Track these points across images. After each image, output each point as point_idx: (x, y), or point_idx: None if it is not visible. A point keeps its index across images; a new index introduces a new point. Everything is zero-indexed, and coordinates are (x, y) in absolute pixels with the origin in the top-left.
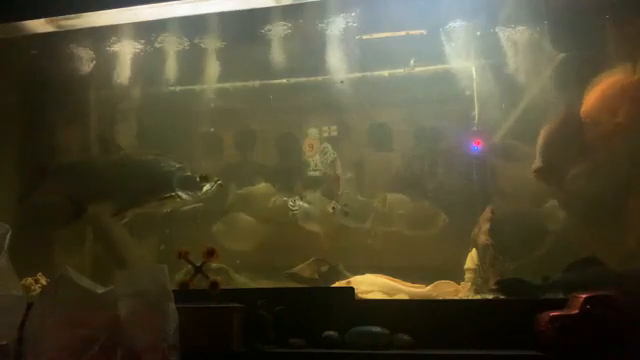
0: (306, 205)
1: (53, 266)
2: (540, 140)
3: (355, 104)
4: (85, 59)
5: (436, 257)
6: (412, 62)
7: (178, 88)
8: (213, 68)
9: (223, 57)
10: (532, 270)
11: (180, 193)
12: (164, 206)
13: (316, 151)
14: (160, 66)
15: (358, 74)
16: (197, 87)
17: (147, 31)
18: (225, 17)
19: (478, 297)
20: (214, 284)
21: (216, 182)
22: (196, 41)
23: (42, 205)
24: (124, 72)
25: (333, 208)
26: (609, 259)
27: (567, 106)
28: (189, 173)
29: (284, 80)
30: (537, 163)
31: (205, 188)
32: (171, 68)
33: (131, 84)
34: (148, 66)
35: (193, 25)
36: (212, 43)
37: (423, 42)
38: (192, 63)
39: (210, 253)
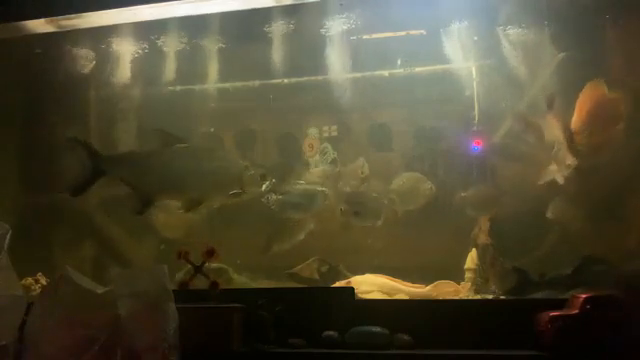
0: (280, 197)
1: (53, 266)
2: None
3: (355, 104)
4: (85, 59)
5: (436, 257)
6: (399, 62)
7: (178, 88)
8: (213, 68)
9: (223, 57)
10: (533, 270)
11: (245, 190)
12: (222, 202)
13: (316, 151)
14: (160, 66)
15: (358, 74)
16: (197, 87)
17: (147, 31)
18: (225, 17)
19: (478, 297)
20: (214, 284)
21: (271, 180)
22: (196, 41)
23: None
24: (124, 72)
25: (341, 209)
26: (610, 259)
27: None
28: (253, 171)
29: (284, 80)
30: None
31: (264, 186)
32: (171, 68)
33: (131, 84)
34: (148, 66)
35: (193, 25)
36: (212, 43)
37: (423, 42)
38: (192, 63)
39: (210, 253)
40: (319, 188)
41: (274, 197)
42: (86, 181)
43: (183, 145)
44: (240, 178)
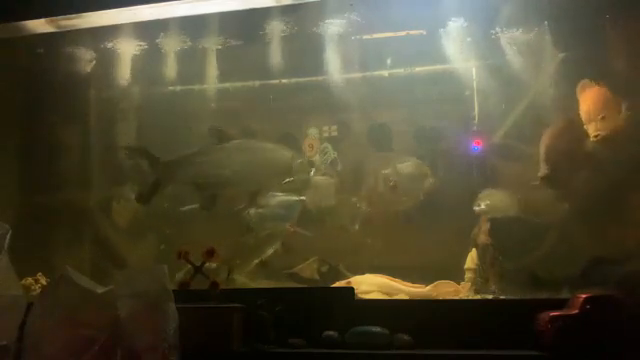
0: (260, 210)
1: (53, 266)
2: (543, 146)
3: (355, 104)
4: (85, 59)
5: (436, 257)
6: (389, 61)
7: (178, 88)
8: (213, 68)
9: (223, 57)
10: (533, 270)
11: (295, 178)
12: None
13: (316, 151)
14: (160, 66)
15: (358, 74)
16: (197, 87)
17: (147, 31)
18: (225, 17)
19: (478, 297)
20: (214, 284)
21: (319, 164)
22: (196, 41)
23: None
24: (124, 72)
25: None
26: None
27: (567, 109)
28: (300, 159)
29: (284, 80)
30: (543, 170)
31: (312, 172)
32: (171, 68)
33: (131, 84)
34: (148, 66)
35: (193, 25)
36: (212, 43)
37: (423, 42)
38: (192, 63)
39: (210, 253)
40: (295, 197)
41: (252, 211)
42: (152, 189)
43: (236, 141)
44: (290, 167)
